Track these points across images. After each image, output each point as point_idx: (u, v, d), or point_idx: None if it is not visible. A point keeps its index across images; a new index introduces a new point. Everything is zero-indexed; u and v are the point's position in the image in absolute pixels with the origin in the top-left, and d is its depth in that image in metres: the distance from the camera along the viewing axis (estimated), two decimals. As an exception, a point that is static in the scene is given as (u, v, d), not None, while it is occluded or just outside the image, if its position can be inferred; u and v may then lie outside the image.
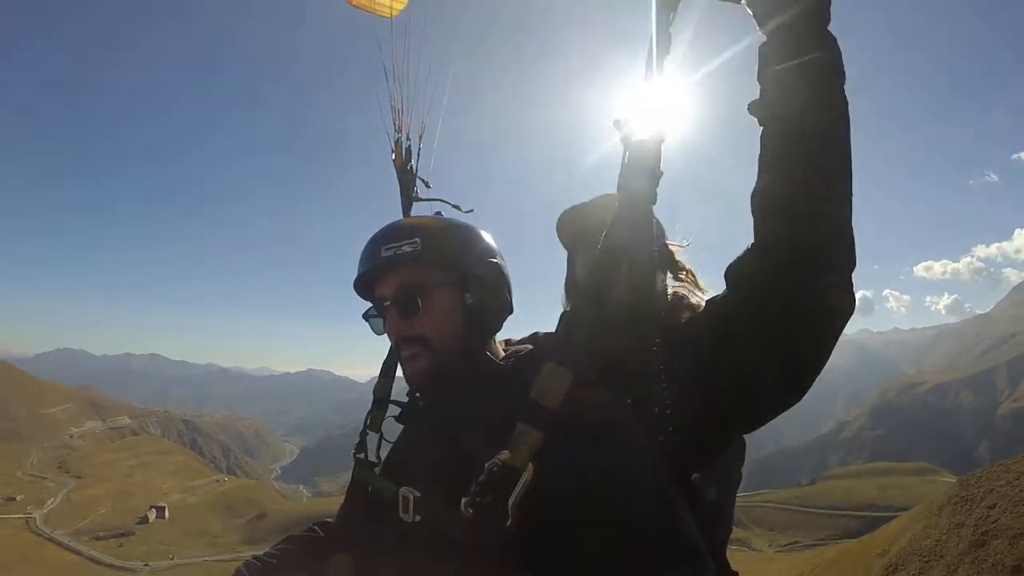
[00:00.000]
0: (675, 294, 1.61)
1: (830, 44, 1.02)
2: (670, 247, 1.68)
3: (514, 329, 1.49)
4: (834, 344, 1.06)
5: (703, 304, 1.42)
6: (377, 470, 1.46)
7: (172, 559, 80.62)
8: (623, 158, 1.05)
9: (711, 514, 1.21)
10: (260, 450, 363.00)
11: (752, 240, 1.08)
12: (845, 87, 1.03)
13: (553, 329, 1.42)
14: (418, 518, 1.19)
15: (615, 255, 1.04)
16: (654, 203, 1.05)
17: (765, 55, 1.04)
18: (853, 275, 1.05)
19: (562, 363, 1.02)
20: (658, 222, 1.64)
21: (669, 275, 1.65)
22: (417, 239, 1.29)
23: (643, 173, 1.03)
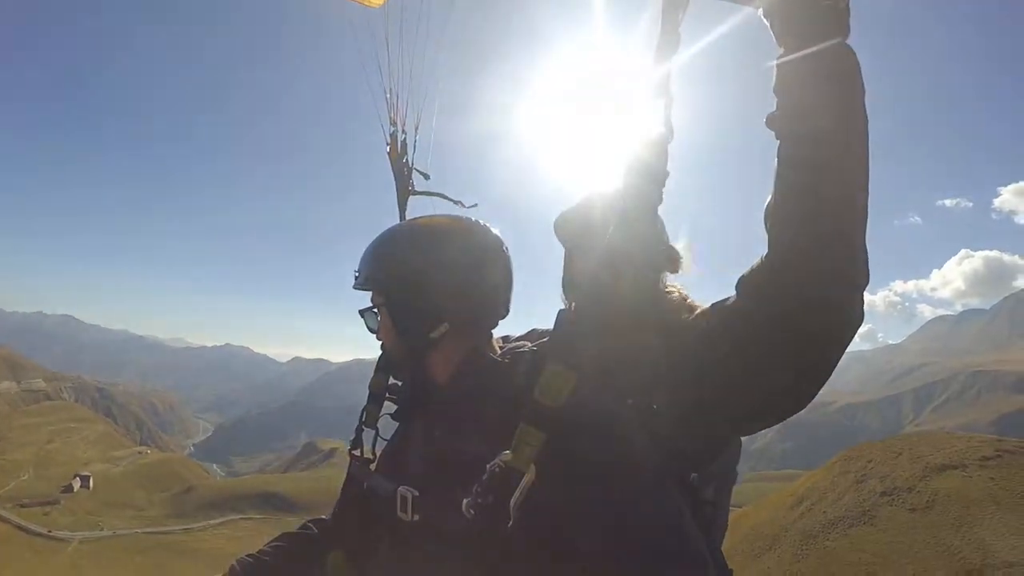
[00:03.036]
0: (678, 294, 1.60)
1: (849, 55, 0.99)
2: (674, 248, 1.69)
3: (514, 328, 1.49)
4: (840, 357, 1.07)
5: (706, 306, 1.41)
6: (372, 467, 1.46)
7: (102, 530, 78.89)
8: (629, 158, 1.04)
9: (709, 513, 1.23)
10: (173, 424, 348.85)
11: (766, 251, 1.07)
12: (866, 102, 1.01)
13: (550, 326, 1.38)
14: (416, 517, 1.19)
15: (619, 255, 1.03)
16: (659, 203, 1.03)
17: (782, 67, 1.02)
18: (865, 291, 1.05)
19: (565, 363, 1.00)
20: (661, 222, 1.65)
21: (670, 276, 1.66)
22: (359, 270, 1.39)
23: (648, 173, 1.02)
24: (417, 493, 1.21)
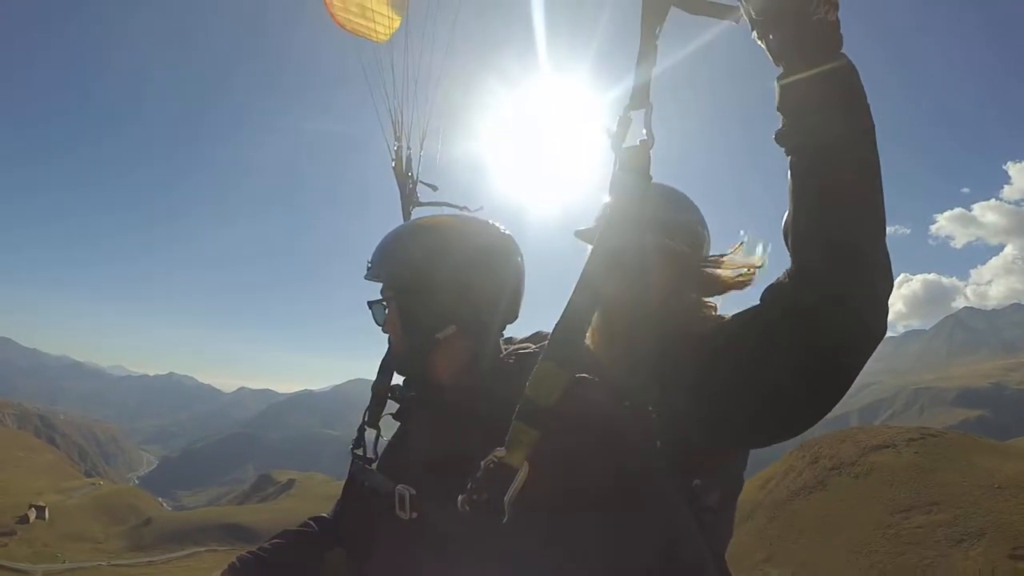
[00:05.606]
0: (704, 303, 1.62)
1: (846, 65, 1.00)
2: (713, 260, 1.67)
3: (521, 330, 1.50)
4: (860, 368, 1.06)
5: (725, 317, 1.43)
6: (374, 466, 1.46)
7: (64, 562, 77.08)
8: (613, 164, 1.06)
9: (709, 519, 1.23)
10: (116, 456, 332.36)
11: (790, 264, 1.08)
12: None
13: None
14: (414, 515, 1.20)
15: (607, 258, 1.05)
16: (645, 206, 1.06)
17: (784, 85, 1.03)
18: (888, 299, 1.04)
19: (556, 362, 1.01)
20: (706, 235, 1.70)
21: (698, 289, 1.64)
22: (370, 262, 1.39)
23: (633, 178, 1.04)
24: (415, 491, 1.21)
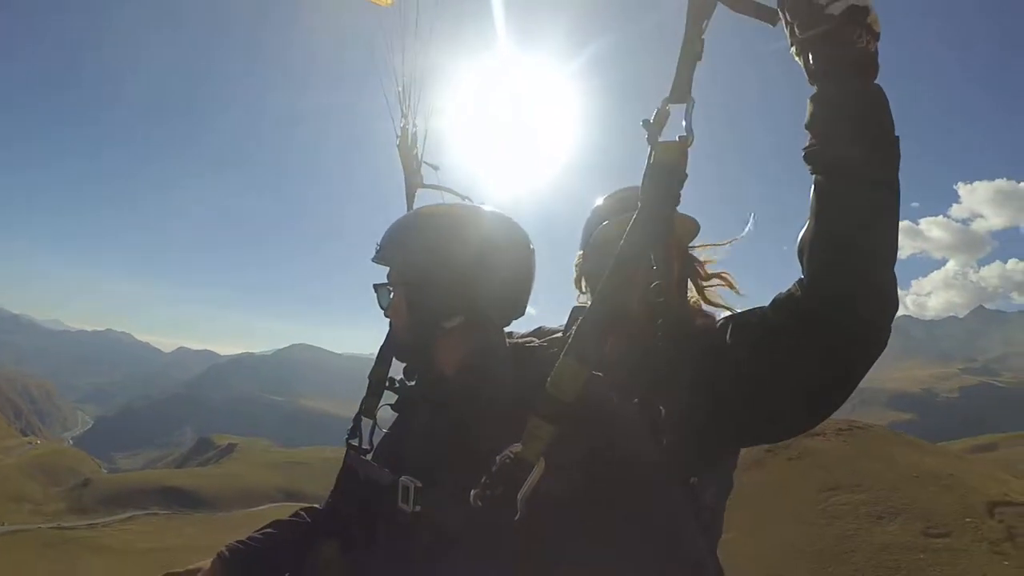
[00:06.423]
0: (694, 301, 1.62)
1: (879, 94, 1.04)
2: (695, 252, 1.65)
3: (523, 325, 1.46)
4: (858, 380, 1.10)
5: (720, 316, 1.45)
6: (369, 457, 1.43)
7: (3, 525, 75.04)
8: (648, 159, 1.02)
9: (706, 517, 1.24)
10: (51, 415, 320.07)
11: (804, 275, 1.11)
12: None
13: (554, 324, 1.44)
14: (418, 508, 1.18)
15: (635, 255, 1.02)
16: (677, 205, 1.03)
17: (817, 104, 1.06)
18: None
19: (579, 359, 0.99)
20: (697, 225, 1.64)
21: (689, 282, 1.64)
22: (379, 245, 1.36)
23: (668, 175, 1.00)
24: (420, 484, 1.19)
